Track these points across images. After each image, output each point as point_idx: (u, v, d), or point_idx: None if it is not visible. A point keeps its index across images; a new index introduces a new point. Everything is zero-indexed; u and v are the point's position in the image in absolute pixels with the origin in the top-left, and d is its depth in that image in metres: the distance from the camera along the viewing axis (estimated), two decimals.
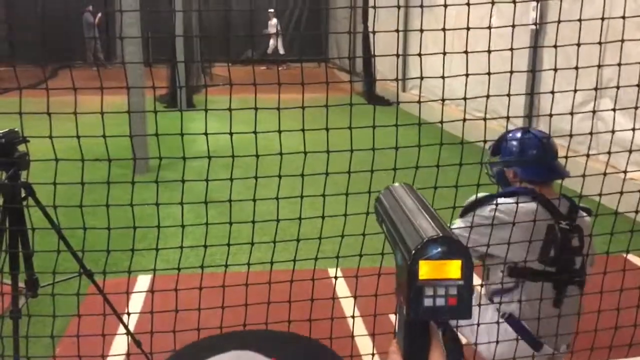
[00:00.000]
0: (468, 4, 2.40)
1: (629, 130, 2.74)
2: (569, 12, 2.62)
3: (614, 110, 2.82)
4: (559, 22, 2.42)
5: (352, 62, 13.60)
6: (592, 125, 3.01)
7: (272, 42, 20.19)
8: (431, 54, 2.44)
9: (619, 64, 2.57)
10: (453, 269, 0.86)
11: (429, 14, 7.52)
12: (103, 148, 2.32)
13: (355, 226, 2.43)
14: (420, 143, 2.47)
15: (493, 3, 2.42)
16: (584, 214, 2.65)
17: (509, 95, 2.43)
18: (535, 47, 7.49)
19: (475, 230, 2.46)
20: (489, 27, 2.45)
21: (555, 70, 2.53)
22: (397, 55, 2.50)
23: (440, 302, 0.87)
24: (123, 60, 9.59)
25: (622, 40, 2.61)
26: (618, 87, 2.56)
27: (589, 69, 2.65)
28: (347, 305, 3.34)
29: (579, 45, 2.44)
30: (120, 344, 3.20)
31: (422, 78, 2.36)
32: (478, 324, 2.51)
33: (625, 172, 2.74)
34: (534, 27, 7.47)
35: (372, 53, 11.76)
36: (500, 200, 2.52)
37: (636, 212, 2.67)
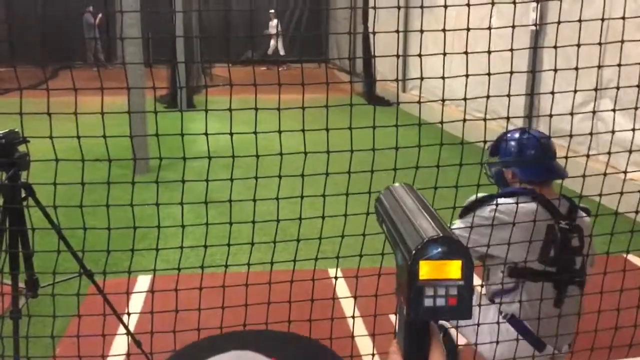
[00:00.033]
0: (468, 5, 2.40)
1: (629, 130, 2.74)
2: (568, 13, 2.62)
3: (614, 110, 2.82)
4: (558, 22, 2.42)
5: (352, 62, 13.59)
6: (592, 125, 3.01)
7: (272, 42, 20.19)
8: (431, 55, 2.44)
9: (619, 65, 2.57)
10: (453, 269, 0.86)
11: (429, 14, 7.52)
12: (103, 148, 2.32)
13: (355, 226, 2.43)
14: (421, 143, 2.47)
15: (493, 4, 2.42)
16: (584, 214, 2.65)
17: (509, 95, 2.43)
18: (535, 48, 7.50)
19: (475, 231, 2.46)
20: (489, 28, 2.46)
21: (555, 70, 2.53)
22: (397, 56, 2.51)
23: (440, 302, 0.87)
24: (123, 61, 9.59)
25: (622, 41, 2.61)
26: (618, 88, 2.56)
27: (589, 69, 2.65)
28: (347, 306, 3.34)
29: (579, 45, 2.44)
30: (120, 344, 3.20)
31: (422, 79, 2.37)
32: (478, 324, 2.51)
33: (625, 172, 2.74)
34: (534, 27, 7.47)
35: (372, 54, 11.77)
36: (500, 200, 2.52)
37: (636, 212, 2.67)
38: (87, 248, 2.50)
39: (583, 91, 2.58)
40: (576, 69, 2.49)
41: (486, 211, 2.51)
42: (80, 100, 2.30)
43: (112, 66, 18.24)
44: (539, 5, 7.35)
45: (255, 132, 2.37)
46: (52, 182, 2.34)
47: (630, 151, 2.72)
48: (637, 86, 2.55)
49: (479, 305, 2.57)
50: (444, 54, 2.40)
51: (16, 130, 2.65)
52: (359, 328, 3.10)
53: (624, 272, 2.71)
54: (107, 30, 18.73)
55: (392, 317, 3.01)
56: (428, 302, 0.87)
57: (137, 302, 3.70)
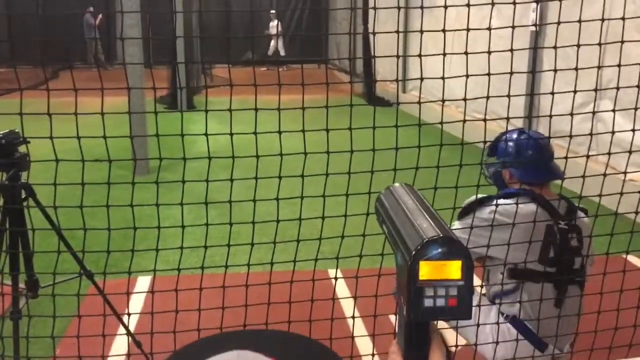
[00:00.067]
0: (468, 5, 2.40)
1: (628, 131, 2.74)
2: (568, 13, 2.62)
3: (613, 111, 2.82)
4: (558, 23, 2.42)
5: (352, 63, 13.60)
6: (592, 126, 3.01)
7: (272, 43, 20.20)
8: (431, 55, 2.44)
9: (619, 65, 2.57)
10: (453, 269, 0.86)
11: (429, 15, 7.52)
12: (103, 149, 2.32)
13: (355, 227, 2.43)
14: (421, 144, 2.47)
15: (493, 4, 2.42)
16: (582, 214, 2.65)
17: (508, 96, 2.43)
18: (535, 48, 7.50)
19: (474, 232, 2.46)
20: (489, 28, 2.45)
21: (555, 71, 2.53)
22: (397, 57, 2.51)
23: (440, 302, 0.87)
24: (124, 61, 9.59)
25: (622, 42, 2.61)
26: (618, 88, 2.56)
27: (588, 70, 2.65)
28: (347, 306, 3.34)
29: (578, 46, 2.44)
30: (120, 344, 3.20)
31: (422, 79, 2.37)
32: (478, 325, 2.51)
33: (625, 173, 2.74)
34: (533, 28, 7.47)
35: (372, 54, 11.77)
36: (500, 201, 2.52)
37: (636, 213, 2.67)
38: (87, 249, 2.50)
39: (583, 92, 2.58)
40: (576, 69, 2.49)
41: (485, 212, 2.51)
42: (81, 100, 2.29)
43: (112, 67, 18.24)
44: (538, 6, 7.35)
45: (255, 133, 2.37)
46: (52, 183, 2.34)
47: (630, 152, 2.72)
48: (637, 86, 2.55)
49: (479, 305, 2.57)
50: (444, 54, 2.40)
51: (16, 130, 2.65)
52: (359, 328, 3.10)
53: (624, 272, 2.71)
54: (108, 31, 18.75)
55: (392, 318, 3.01)
56: (428, 303, 0.87)
57: (137, 303, 3.70)
